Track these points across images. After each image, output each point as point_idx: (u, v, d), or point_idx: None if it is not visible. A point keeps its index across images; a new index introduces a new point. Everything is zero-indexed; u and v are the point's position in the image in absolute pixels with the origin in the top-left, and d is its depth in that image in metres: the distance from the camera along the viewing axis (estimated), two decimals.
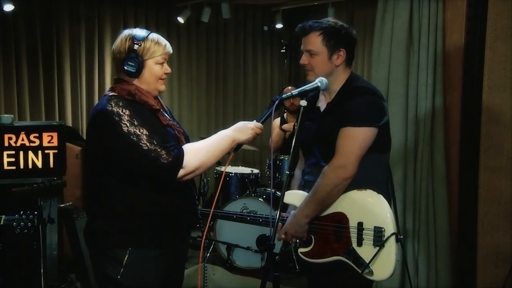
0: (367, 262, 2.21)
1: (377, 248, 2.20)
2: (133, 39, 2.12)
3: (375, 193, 2.27)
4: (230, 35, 6.68)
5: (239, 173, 4.96)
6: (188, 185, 2.22)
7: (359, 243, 2.24)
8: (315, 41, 2.31)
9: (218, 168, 5.01)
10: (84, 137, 5.20)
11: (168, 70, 2.21)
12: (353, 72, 2.43)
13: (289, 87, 5.00)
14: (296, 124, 2.43)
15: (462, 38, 3.37)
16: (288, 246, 3.97)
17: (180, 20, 5.97)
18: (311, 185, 2.37)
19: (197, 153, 2.09)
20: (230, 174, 4.95)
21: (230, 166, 5.48)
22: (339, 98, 2.34)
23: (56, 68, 5.36)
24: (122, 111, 2.03)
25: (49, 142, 3.65)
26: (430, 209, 3.44)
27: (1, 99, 5.04)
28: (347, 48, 2.34)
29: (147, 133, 2.01)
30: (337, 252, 2.28)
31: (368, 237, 2.23)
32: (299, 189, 2.48)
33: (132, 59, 2.10)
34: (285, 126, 4.97)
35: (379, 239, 2.21)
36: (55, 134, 3.67)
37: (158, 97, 2.28)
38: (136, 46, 2.10)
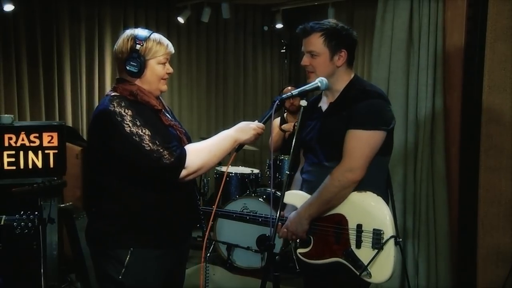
0: (366, 264, 2.21)
1: (376, 250, 2.21)
2: (135, 39, 2.12)
3: (375, 195, 2.27)
4: (230, 35, 6.68)
5: (239, 173, 4.96)
6: (189, 185, 2.23)
7: (358, 245, 2.25)
8: (316, 42, 2.31)
9: (218, 168, 5.01)
10: (84, 137, 5.21)
11: (170, 70, 2.21)
12: (355, 73, 2.43)
13: (289, 87, 4.99)
14: (296, 124, 2.43)
15: (462, 38, 3.37)
16: (288, 246, 3.97)
17: (180, 20, 5.97)
18: (310, 185, 2.38)
19: (199, 153, 2.09)
20: (230, 174, 4.95)
21: (230, 166, 5.49)
22: (343, 98, 2.34)
23: (56, 68, 5.36)
24: (124, 111, 2.03)
25: (49, 142, 3.65)
26: (430, 209, 3.44)
27: (1, 99, 5.04)
28: (348, 49, 2.34)
29: (150, 133, 2.02)
30: (335, 253, 2.28)
31: (367, 239, 2.23)
32: (298, 189, 2.48)
33: (134, 59, 2.10)
34: (284, 126, 4.97)
35: (378, 242, 2.21)
36: (55, 134, 3.67)
37: (160, 97, 2.28)
38: (138, 46, 2.10)
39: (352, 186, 2.25)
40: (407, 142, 3.48)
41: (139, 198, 2.11)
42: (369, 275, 2.21)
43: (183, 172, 2.04)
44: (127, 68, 2.11)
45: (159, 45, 2.15)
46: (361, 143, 2.24)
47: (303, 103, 2.22)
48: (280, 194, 2.20)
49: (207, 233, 2.19)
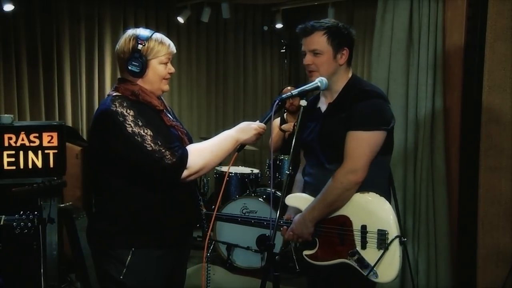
0: (372, 265, 2.21)
1: (382, 251, 2.21)
2: (137, 39, 2.12)
3: (377, 196, 2.27)
4: (230, 35, 6.68)
5: (239, 173, 4.96)
6: (190, 186, 2.22)
7: (363, 246, 2.25)
8: (319, 41, 2.31)
9: (218, 168, 5.01)
10: (84, 137, 5.21)
11: (172, 70, 2.21)
12: (353, 73, 2.43)
13: (289, 87, 5.00)
14: (296, 124, 2.43)
15: (462, 38, 3.37)
16: (288, 246, 3.97)
17: (180, 20, 5.97)
18: (312, 187, 2.38)
19: (201, 154, 2.09)
20: (230, 174, 4.95)
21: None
22: (342, 99, 2.34)
23: (56, 68, 5.36)
24: (126, 111, 2.03)
25: (49, 142, 3.65)
26: (430, 209, 3.44)
27: (1, 99, 5.04)
28: (349, 48, 2.35)
29: (152, 133, 2.02)
30: (341, 255, 2.29)
31: (372, 240, 2.23)
32: (300, 190, 2.48)
33: (136, 59, 2.10)
34: (284, 126, 4.97)
35: (383, 242, 2.21)
36: (55, 134, 3.66)
37: (161, 97, 2.28)
38: (140, 46, 2.10)
39: (354, 188, 2.25)
40: (407, 142, 3.48)
41: (140, 198, 2.11)
42: (376, 275, 2.22)
43: (185, 173, 2.04)
44: (129, 68, 2.11)
45: (161, 45, 2.15)
46: (361, 144, 2.23)
47: (303, 103, 2.22)
48: (280, 194, 2.21)
49: (208, 234, 2.19)
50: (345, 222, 2.28)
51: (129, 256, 2.09)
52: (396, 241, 2.21)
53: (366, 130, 2.23)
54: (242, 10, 6.70)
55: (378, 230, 2.23)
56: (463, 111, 3.42)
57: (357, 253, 2.25)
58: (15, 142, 3.58)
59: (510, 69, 3.15)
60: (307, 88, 2.25)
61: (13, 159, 3.57)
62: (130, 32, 2.17)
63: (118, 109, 2.03)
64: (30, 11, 5.14)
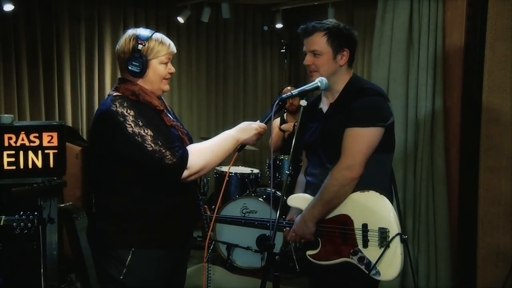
0: (374, 263, 2.21)
1: (383, 249, 2.21)
2: (137, 39, 2.12)
3: (378, 194, 2.27)
4: (230, 35, 6.68)
5: (239, 173, 4.96)
6: (191, 186, 2.22)
7: (365, 245, 2.25)
8: (319, 41, 2.31)
9: (218, 168, 5.01)
10: (84, 137, 5.21)
11: (172, 69, 2.21)
12: (354, 73, 2.44)
13: (289, 87, 5.00)
14: (296, 124, 2.43)
15: (462, 38, 3.37)
16: (288, 246, 3.97)
17: (180, 20, 5.97)
18: (314, 187, 2.38)
19: (201, 154, 2.09)
20: (230, 174, 4.95)
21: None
22: (342, 98, 2.35)
23: (56, 68, 5.36)
24: (127, 111, 2.03)
25: (49, 142, 3.65)
26: (430, 209, 3.44)
27: (1, 99, 5.04)
28: (350, 49, 2.35)
29: (152, 133, 2.02)
30: (344, 254, 2.29)
31: (373, 238, 2.23)
32: (302, 191, 2.48)
33: (136, 59, 2.10)
34: (284, 126, 4.97)
35: (384, 240, 2.22)
36: (55, 134, 3.66)
37: (162, 97, 2.28)
38: (140, 46, 2.10)
39: (351, 184, 2.25)
40: (407, 142, 3.48)
41: (141, 198, 2.11)
42: (378, 273, 2.22)
43: (185, 173, 2.04)
44: (129, 68, 2.11)
45: (161, 45, 2.15)
46: (357, 140, 2.24)
47: (303, 103, 2.22)
48: (280, 194, 2.21)
49: (208, 234, 2.19)
50: (346, 221, 2.29)
51: (129, 256, 2.09)
52: (397, 239, 2.21)
53: (362, 127, 2.23)
54: (242, 10, 6.70)
55: (379, 228, 2.23)
56: (463, 111, 3.42)
57: (359, 251, 2.25)
58: (15, 142, 3.58)
59: (510, 69, 3.15)
60: (307, 88, 2.26)
61: (13, 159, 3.57)
62: (130, 32, 2.17)
63: (118, 109, 2.03)
64: (30, 11, 5.14)
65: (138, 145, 2.00)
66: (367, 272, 2.23)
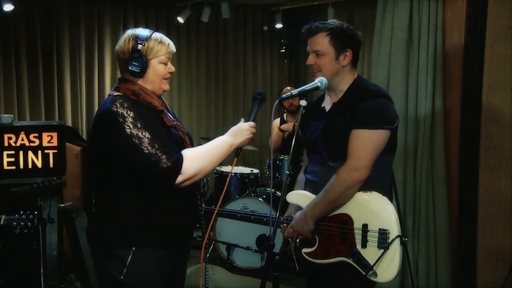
0: (372, 264, 2.21)
1: (382, 250, 2.21)
2: (136, 39, 2.12)
3: (380, 195, 2.27)
4: (230, 35, 6.68)
5: (239, 173, 4.96)
6: (191, 186, 2.22)
7: (364, 245, 2.25)
8: (322, 42, 2.31)
9: (218, 168, 5.01)
10: (84, 137, 5.20)
11: (172, 69, 2.21)
12: (359, 74, 2.44)
13: (289, 87, 5.00)
14: (295, 124, 2.44)
15: (462, 38, 3.37)
16: (288, 246, 3.97)
17: (180, 20, 5.96)
18: (314, 185, 2.38)
19: (196, 159, 2.08)
20: (230, 174, 4.94)
21: (230, 166, 5.49)
22: (347, 98, 2.35)
23: (56, 68, 5.35)
24: (127, 112, 2.03)
25: (49, 142, 3.65)
26: (430, 209, 3.44)
27: (1, 99, 5.04)
28: (353, 49, 2.35)
29: (150, 136, 2.01)
30: (341, 253, 2.29)
31: (373, 239, 2.23)
32: (302, 189, 2.48)
33: (136, 59, 2.10)
34: (284, 126, 4.97)
35: (383, 242, 2.21)
36: (55, 134, 3.67)
37: (162, 97, 2.28)
38: (139, 46, 2.10)
39: (357, 186, 2.25)
40: (407, 142, 3.49)
41: (141, 198, 2.10)
42: (375, 274, 2.22)
43: (180, 178, 2.03)
44: (129, 68, 2.11)
45: (160, 45, 2.14)
46: (365, 142, 2.24)
47: (303, 103, 2.23)
48: (280, 194, 2.21)
49: (207, 234, 2.19)
50: (346, 220, 2.28)
51: (130, 256, 2.08)
52: (397, 241, 2.21)
53: (370, 129, 2.23)
54: (242, 10, 6.70)
55: (379, 229, 2.23)
56: (463, 111, 3.42)
57: (357, 252, 2.25)
58: (15, 142, 3.58)
59: (510, 69, 3.15)
60: (306, 88, 2.26)
61: (13, 159, 3.57)
62: (130, 32, 2.16)
63: (119, 110, 2.03)
64: (30, 11, 5.14)
65: (135, 147, 2.00)
66: (363, 273, 2.23)
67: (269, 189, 4.84)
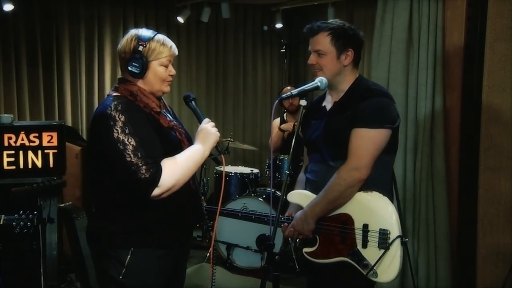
0: (372, 264, 2.21)
1: (382, 250, 2.21)
2: (138, 39, 2.11)
3: (381, 195, 2.27)
4: (230, 35, 6.68)
5: (239, 173, 4.96)
6: (192, 186, 2.22)
7: (364, 245, 2.25)
8: (323, 41, 2.31)
9: (218, 167, 5.01)
10: (84, 137, 5.20)
11: (173, 72, 2.19)
12: (360, 74, 2.44)
13: (289, 87, 5.00)
14: (295, 124, 2.44)
15: (462, 38, 3.37)
16: (288, 246, 3.97)
17: (180, 20, 5.97)
18: (314, 184, 2.38)
19: (174, 171, 2.05)
20: (230, 174, 4.95)
21: (230, 166, 5.49)
22: (348, 98, 2.35)
23: (55, 68, 5.35)
24: (118, 116, 2.01)
25: (48, 142, 3.65)
26: (430, 209, 3.44)
27: (1, 99, 5.03)
28: (355, 49, 2.35)
29: (134, 144, 1.99)
30: (341, 253, 2.29)
31: (373, 239, 2.23)
32: (302, 189, 2.48)
33: (136, 60, 2.09)
34: (283, 126, 4.97)
35: (384, 242, 2.21)
36: (54, 134, 3.67)
37: (162, 97, 2.28)
38: (141, 47, 2.09)
39: (358, 185, 2.25)
40: (407, 141, 3.49)
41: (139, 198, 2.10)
42: (375, 274, 2.21)
43: (156, 191, 2.01)
44: (129, 68, 2.10)
45: (162, 47, 2.13)
46: (366, 141, 2.24)
47: (303, 102, 2.23)
48: (280, 194, 2.20)
49: (213, 236, 2.18)
50: (347, 220, 2.28)
51: (128, 256, 2.08)
52: (398, 241, 2.21)
53: (370, 128, 2.23)
54: (242, 10, 6.70)
55: (380, 229, 2.23)
56: (463, 111, 3.42)
57: (358, 252, 2.25)
58: (15, 142, 3.59)
59: (510, 69, 3.15)
60: (306, 88, 2.26)
61: (13, 159, 3.58)
62: (133, 32, 2.15)
63: (112, 112, 2.02)
64: (30, 11, 5.13)
65: (119, 153, 1.98)
66: (364, 273, 2.23)
67: (269, 189, 4.84)
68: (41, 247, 3.44)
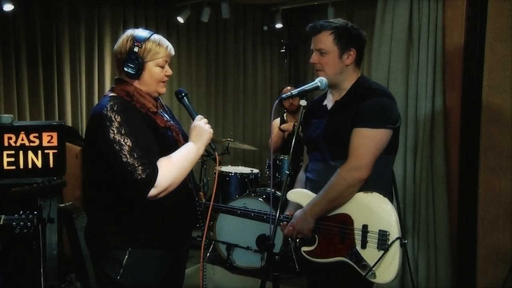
0: (371, 265, 2.20)
1: (382, 251, 2.20)
2: (134, 40, 2.10)
3: (381, 196, 2.26)
4: (230, 35, 6.68)
5: (239, 173, 4.96)
6: (188, 186, 2.22)
7: (363, 246, 2.24)
8: (326, 40, 2.31)
9: (218, 167, 5.00)
10: (84, 137, 5.20)
11: (169, 72, 2.19)
12: (362, 73, 2.44)
13: (288, 87, 5.00)
14: (295, 124, 2.43)
15: (462, 38, 3.37)
16: (288, 246, 3.97)
17: (180, 20, 5.97)
18: (314, 184, 2.38)
19: (170, 171, 2.05)
20: (230, 174, 4.95)
21: (230, 166, 5.49)
22: (349, 97, 2.34)
23: (55, 68, 5.35)
24: (114, 116, 2.01)
25: (48, 142, 3.65)
26: (430, 209, 3.44)
27: (1, 99, 5.03)
28: (357, 48, 2.34)
29: (131, 144, 1.99)
30: (340, 253, 2.29)
31: (373, 240, 2.23)
32: (302, 188, 2.48)
33: (132, 61, 2.09)
34: (283, 126, 4.97)
35: (383, 243, 2.21)
36: (54, 134, 3.67)
37: (159, 97, 2.27)
38: (136, 48, 2.09)
39: (358, 185, 2.25)
40: (407, 141, 3.49)
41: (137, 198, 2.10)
42: (374, 275, 2.21)
43: (153, 191, 2.01)
44: (125, 69, 2.10)
45: (158, 47, 2.13)
46: (367, 141, 2.23)
47: (303, 103, 2.23)
48: (279, 194, 2.20)
49: (205, 231, 2.18)
50: (346, 220, 2.28)
51: (126, 256, 2.08)
52: (397, 243, 2.21)
53: (372, 128, 2.23)
54: (242, 10, 6.70)
55: (380, 230, 2.22)
56: (463, 111, 3.42)
57: (357, 252, 2.24)
58: (15, 142, 3.58)
59: (510, 69, 3.15)
60: (306, 88, 2.26)
61: (13, 159, 3.57)
62: (129, 32, 2.15)
63: (108, 112, 2.02)
64: (30, 11, 5.13)
65: (115, 153, 1.98)
66: (362, 273, 2.22)
67: (269, 189, 4.84)
68: (41, 247, 3.43)
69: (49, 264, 3.61)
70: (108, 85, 5.64)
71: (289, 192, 2.44)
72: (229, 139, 5.19)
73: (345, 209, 2.29)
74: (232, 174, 4.95)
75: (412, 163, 3.49)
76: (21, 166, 3.59)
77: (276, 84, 7.04)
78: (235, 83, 6.79)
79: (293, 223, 2.35)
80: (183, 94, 2.32)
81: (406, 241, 2.26)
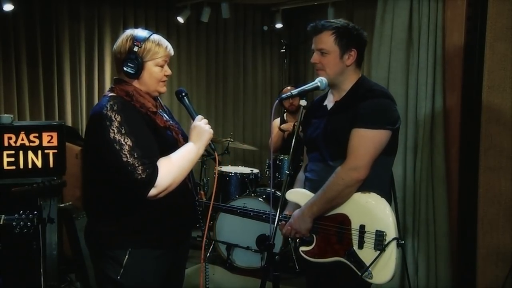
0: (368, 265, 2.21)
1: (378, 252, 2.20)
2: (133, 40, 2.10)
3: (378, 196, 2.27)
4: (230, 35, 6.68)
5: (239, 173, 4.96)
6: (188, 186, 2.22)
7: (360, 246, 2.25)
8: (327, 40, 2.31)
9: (218, 168, 5.01)
10: (84, 137, 5.20)
11: (169, 72, 2.19)
12: (363, 74, 2.44)
13: (288, 87, 5.00)
14: (295, 124, 2.43)
15: (462, 38, 3.37)
16: (288, 246, 3.97)
17: (180, 20, 5.96)
18: (313, 183, 2.38)
19: (170, 171, 2.05)
20: (230, 174, 4.95)
21: (230, 166, 5.49)
22: (349, 97, 2.34)
23: (55, 68, 5.35)
24: (114, 116, 2.01)
25: (48, 142, 3.65)
26: (430, 209, 3.44)
27: (1, 99, 5.03)
28: (358, 49, 2.34)
29: (131, 144, 1.99)
30: (337, 253, 2.29)
31: (370, 240, 2.23)
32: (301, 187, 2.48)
33: (131, 61, 2.09)
34: (283, 126, 4.97)
35: (380, 243, 2.21)
36: (54, 134, 3.67)
37: (158, 97, 2.28)
38: (136, 48, 2.09)
39: (356, 185, 2.25)
40: (407, 141, 3.49)
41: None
42: (371, 276, 2.21)
43: (153, 191, 2.01)
44: (124, 69, 2.10)
45: (157, 47, 2.13)
46: (366, 142, 2.23)
47: (303, 103, 2.23)
48: (279, 194, 2.20)
49: (205, 231, 2.18)
50: (344, 220, 2.28)
51: (126, 256, 2.08)
52: (394, 243, 2.21)
53: (371, 128, 2.23)
54: (242, 10, 6.70)
55: (377, 230, 2.22)
56: (463, 111, 3.42)
57: (354, 252, 2.25)
58: (15, 142, 3.59)
59: (510, 69, 3.15)
60: (306, 88, 2.26)
61: (13, 159, 3.58)
62: (128, 32, 2.15)
63: (108, 112, 2.02)
64: (30, 11, 5.13)
65: (115, 153, 1.98)
66: (359, 273, 2.23)
67: (269, 189, 4.84)
68: (41, 247, 3.43)
69: (49, 264, 3.61)
70: (108, 85, 5.64)
71: (288, 192, 2.44)
72: (229, 139, 5.19)
73: (343, 209, 2.29)
74: (232, 174, 4.96)
75: (412, 163, 3.49)
76: (21, 166, 3.59)
77: (276, 84, 7.04)
78: (235, 83, 6.79)
79: (291, 223, 2.35)
80: (183, 94, 2.32)
81: (403, 242, 2.26)
